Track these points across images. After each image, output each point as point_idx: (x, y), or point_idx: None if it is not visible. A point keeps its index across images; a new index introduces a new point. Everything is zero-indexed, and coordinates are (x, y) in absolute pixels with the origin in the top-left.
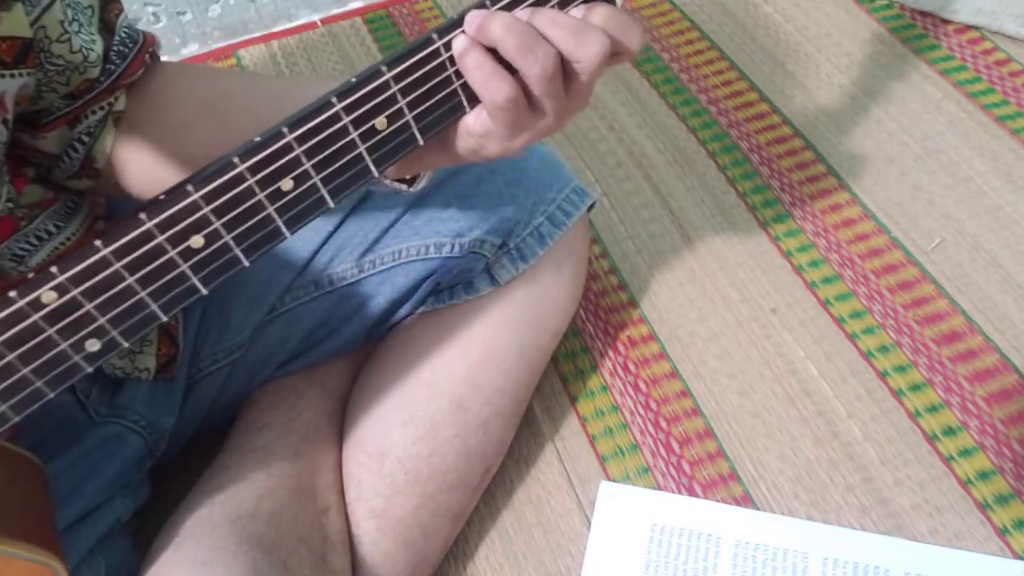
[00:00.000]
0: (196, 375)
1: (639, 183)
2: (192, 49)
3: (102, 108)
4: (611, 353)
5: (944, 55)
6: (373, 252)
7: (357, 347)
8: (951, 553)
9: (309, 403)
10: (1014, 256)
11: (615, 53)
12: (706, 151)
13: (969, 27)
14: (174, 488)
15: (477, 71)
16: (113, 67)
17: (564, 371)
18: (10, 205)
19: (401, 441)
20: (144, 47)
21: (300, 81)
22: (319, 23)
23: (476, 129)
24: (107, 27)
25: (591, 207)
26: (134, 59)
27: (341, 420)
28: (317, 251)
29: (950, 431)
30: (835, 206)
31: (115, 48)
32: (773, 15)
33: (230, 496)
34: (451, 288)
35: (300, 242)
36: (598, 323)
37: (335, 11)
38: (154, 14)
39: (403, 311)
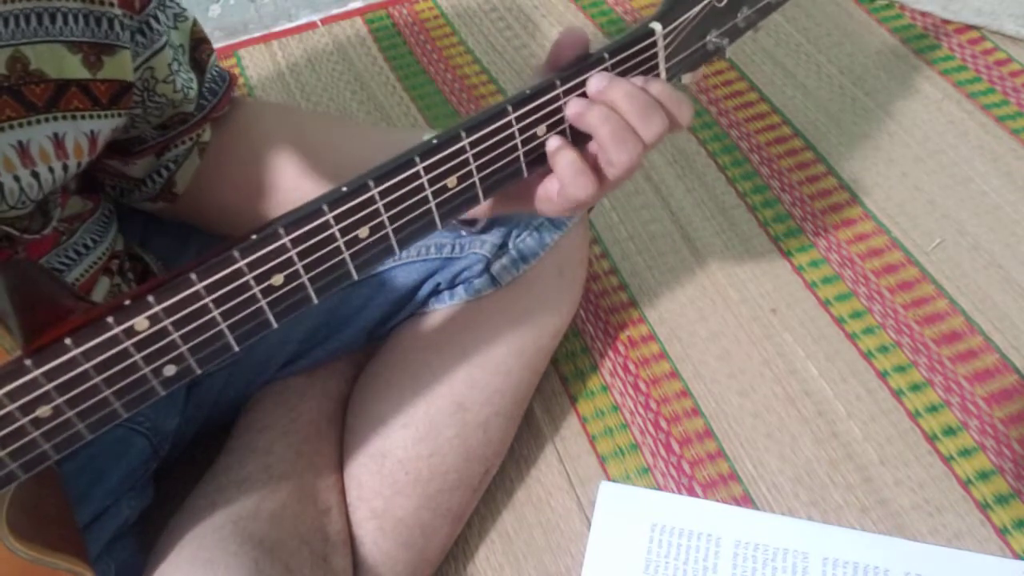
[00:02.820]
0: (198, 376)
1: (639, 183)
2: None
3: (191, 139)
4: (611, 353)
5: (944, 55)
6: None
7: (358, 348)
8: (951, 553)
9: (310, 404)
10: (1014, 256)
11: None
12: (706, 151)
13: (969, 27)
14: (177, 489)
15: (569, 168)
16: (205, 103)
17: (564, 371)
18: (54, 224)
19: (402, 442)
20: (231, 85)
21: (371, 132)
22: (319, 23)
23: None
24: (198, 66)
25: (591, 208)
26: (223, 95)
27: (342, 421)
28: None
29: (950, 431)
30: (835, 207)
31: (207, 85)
32: (773, 15)
33: (232, 497)
34: (451, 289)
35: None
36: (598, 323)
37: (335, 11)
38: None
39: (404, 312)
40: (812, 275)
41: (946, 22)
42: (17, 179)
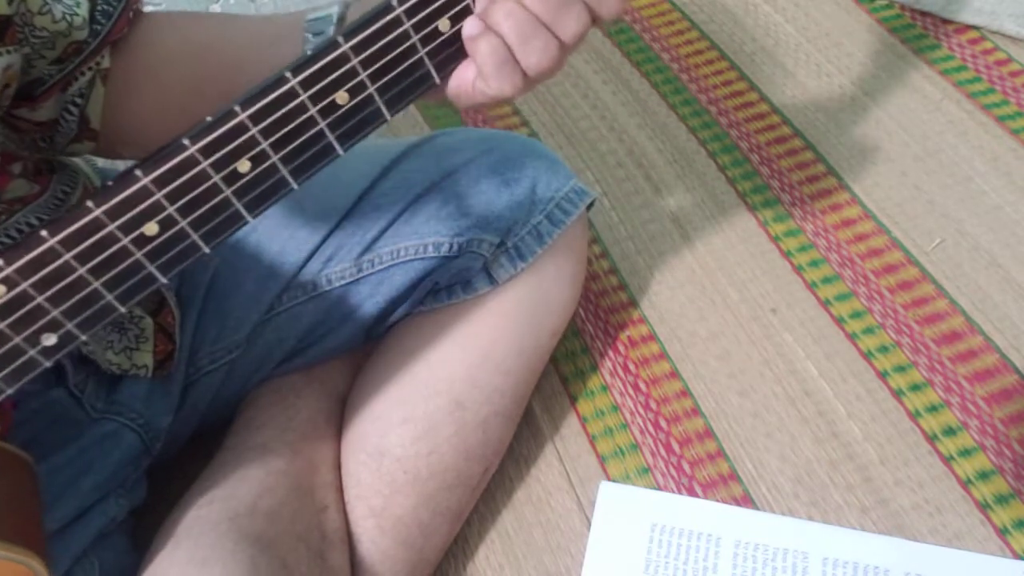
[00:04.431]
0: (194, 374)
1: (639, 183)
2: None
3: (90, 69)
4: (611, 353)
5: (944, 55)
6: (371, 251)
7: (355, 346)
8: (951, 553)
9: (307, 402)
10: (1014, 256)
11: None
12: (706, 151)
13: (969, 27)
14: (173, 487)
15: (491, 57)
16: (99, 27)
17: (564, 371)
18: None
19: (400, 440)
20: (129, 4)
21: (273, 20)
22: None
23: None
24: None
25: (590, 205)
26: (119, 17)
27: (340, 419)
28: (315, 250)
29: (950, 431)
30: (835, 206)
31: (100, 8)
32: (773, 15)
33: (228, 494)
34: (449, 287)
35: (298, 241)
36: (598, 323)
37: None
38: None
39: (401, 310)
40: (812, 275)
41: (946, 22)
42: None
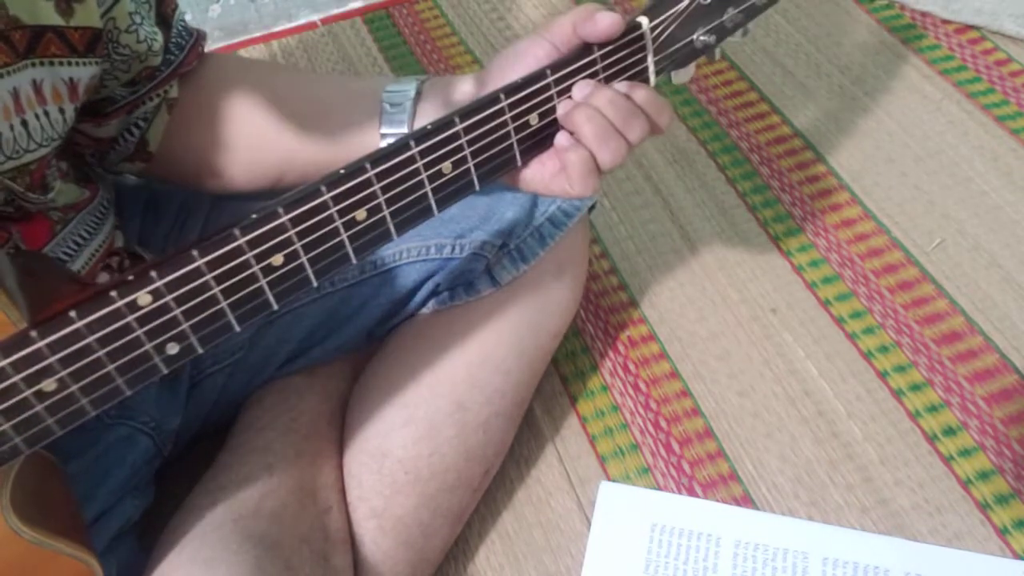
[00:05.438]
0: (198, 375)
1: (639, 183)
2: None
3: (158, 95)
4: (611, 353)
5: (944, 55)
6: (374, 253)
7: (358, 348)
8: (951, 553)
9: (310, 403)
10: (1014, 256)
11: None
12: (706, 151)
13: (969, 27)
14: (177, 488)
15: (581, 167)
16: (172, 57)
17: (564, 371)
18: (52, 195)
19: (401, 441)
20: (199, 40)
21: (349, 85)
22: (319, 23)
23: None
24: (164, 21)
25: (592, 208)
26: (191, 50)
27: (342, 420)
28: None
29: (950, 431)
30: (835, 206)
31: (173, 40)
32: (773, 15)
33: (232, 495)
34: (451, 289)
35: None
36: (598, 323)
37: (335, 11)
38: None
39: (403, 312)
40: (812, 275)
41: (946, 22)
42: (12, 127)
